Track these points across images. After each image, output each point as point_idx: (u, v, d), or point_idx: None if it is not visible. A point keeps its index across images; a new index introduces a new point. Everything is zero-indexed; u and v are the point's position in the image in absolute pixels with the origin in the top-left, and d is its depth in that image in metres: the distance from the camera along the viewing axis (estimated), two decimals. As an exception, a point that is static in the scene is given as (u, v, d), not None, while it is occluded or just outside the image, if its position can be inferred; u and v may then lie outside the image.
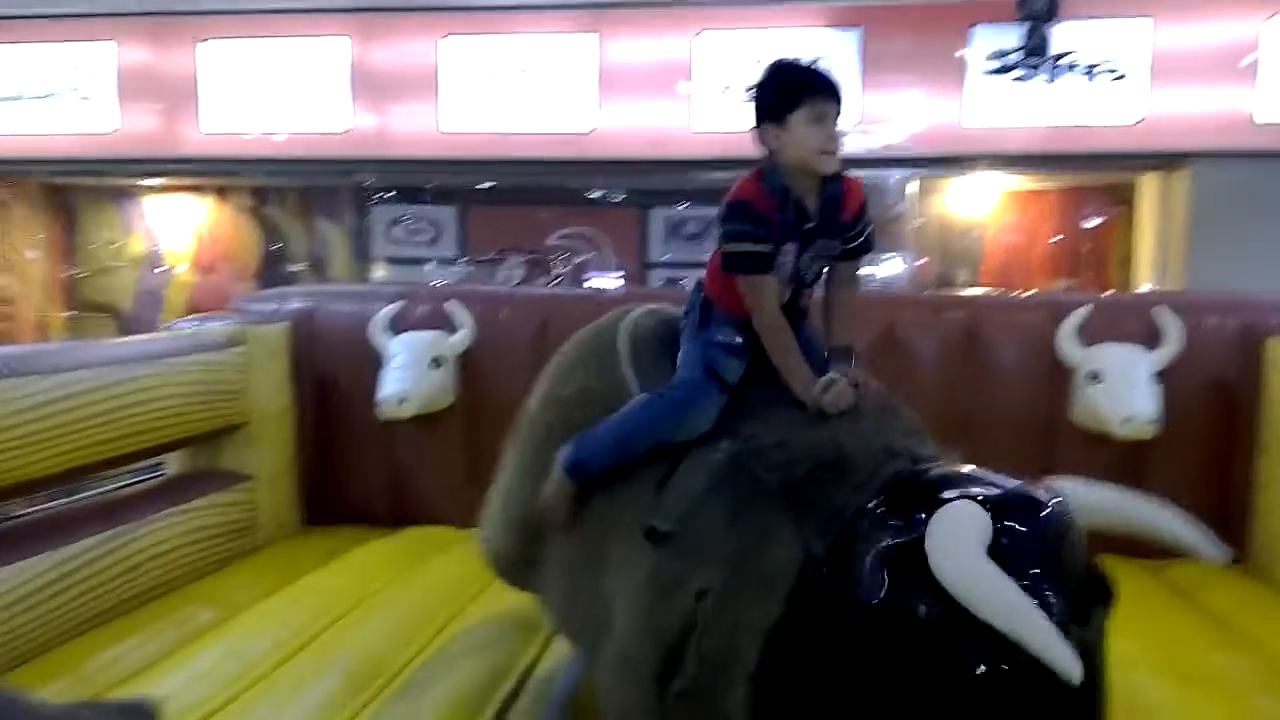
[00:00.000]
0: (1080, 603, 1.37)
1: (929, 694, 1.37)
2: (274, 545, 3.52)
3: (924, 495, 1.48)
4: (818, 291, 2.11)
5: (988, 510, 1.39)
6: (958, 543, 1.35)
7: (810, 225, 1.97)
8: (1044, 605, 1.30)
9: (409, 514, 3.76)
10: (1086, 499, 1.53)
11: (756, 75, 2.01)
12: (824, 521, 1.60)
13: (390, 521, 3.73)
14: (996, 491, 1.45)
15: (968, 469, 1.58)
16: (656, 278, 8.43)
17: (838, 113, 1.91)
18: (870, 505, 1.55)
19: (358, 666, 2.46)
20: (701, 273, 2.16)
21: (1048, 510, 1.43)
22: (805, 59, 2.03)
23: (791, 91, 1.92)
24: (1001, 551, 1.34)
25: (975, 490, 1.45)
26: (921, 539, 1.39)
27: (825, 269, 2.07)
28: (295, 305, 3.87)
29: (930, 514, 1.41)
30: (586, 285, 7.74)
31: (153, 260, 8.16)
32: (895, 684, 1.40)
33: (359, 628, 2.72)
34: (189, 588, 3.03)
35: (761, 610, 1.62)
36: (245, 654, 2.50)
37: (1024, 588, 1.31)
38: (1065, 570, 1.38)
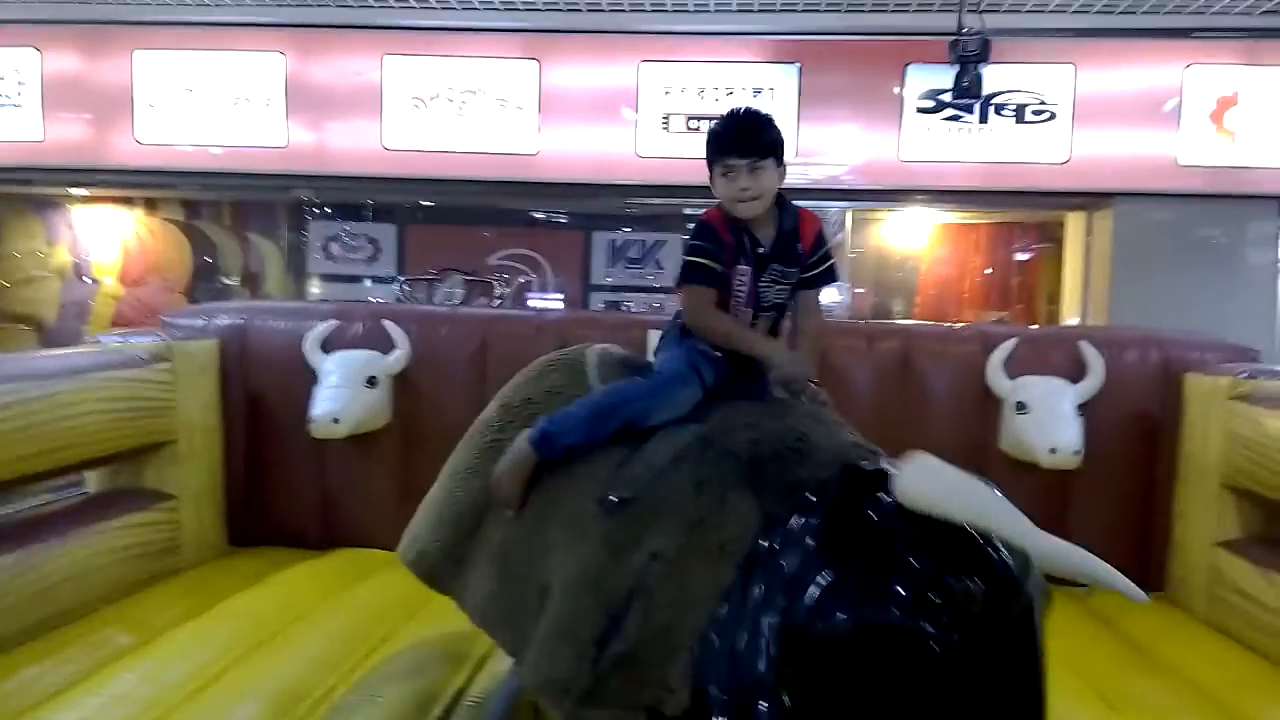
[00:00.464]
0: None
1: (883, 664, 1.41)
2: (197, 567, 3.42)
3: (879, 478, 1.57)
4: (787, 321, 2.30)
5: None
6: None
7: (761, 250, 2.17)
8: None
9: (339, 536, 3.69)
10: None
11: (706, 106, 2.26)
12: (784, 495, 1.67)
13: (319, 544, 3.66)
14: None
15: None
16: (598, 301, 8.46)
17: (751, 163, 2.12)
18: (830, 480, 1.63)
19: (280, 693, 2.40)
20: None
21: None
22: (737, 110, 2.22)
23: (710, 150, 2.19)
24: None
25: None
26: (879, 504, 1.50)
27: (788, 297, 2.26)
28: (226, 321, 3.79)
29: (887, 493, 1.52)
30: (528, 306, 7.72)
31: (79, 271, 7.93)
32: (847, 655, 1.44)
33: (282, 653, 2.65)
34: (107, 610, 2.93)
35: (713, 577, 1.65)
36: (163, 679, 2.42)
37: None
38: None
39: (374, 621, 2.91)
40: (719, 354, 2.14)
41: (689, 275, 2.17)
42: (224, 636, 2.71)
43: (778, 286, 2.21)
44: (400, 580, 3.28)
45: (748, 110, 2.20)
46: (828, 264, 2.27)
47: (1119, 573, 1.52)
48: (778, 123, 2.20)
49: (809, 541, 1.57)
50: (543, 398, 2.24)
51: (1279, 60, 6.12)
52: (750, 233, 2.16)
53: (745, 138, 2.14)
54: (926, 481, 1.49)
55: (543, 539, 1.99)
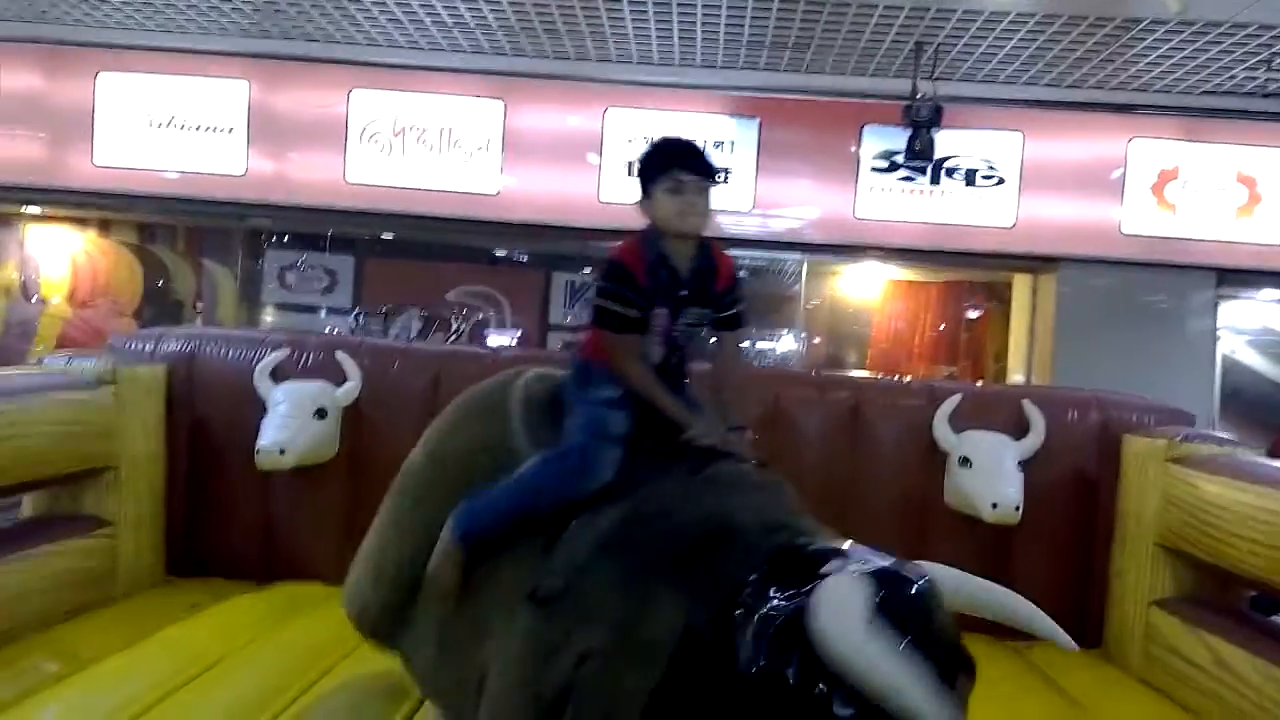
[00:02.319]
0: (948, 673, 1.42)
1: None
2: (133, 596, 3.34)
3: (806, 567, 1.53)
4: (701, 362, 2.30)
5: (865, 583, 1.45)
6: (840, 615, 1.41)
7: (683, 292, 2.14)
8: (917, 672, 1.35)
9: (280, 569, 3.62)
10: (950, 581, 1.60)
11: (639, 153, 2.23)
12: (709, 590, 1.63)
13: (260, 576, 3.59)
14: (872, 566, 1.51)
15: (845, 544, 1.63)
16: (556, 340, 8.48)
17: (701, 183, 2.12)
18: (754, 577, 1.58)
19: (213, 728, 2.34)
20: None
21: (919, 585, 1.49)
22: (676, 136, 2.26)
23: (654, 165, 2.16)
24: (878, 621, 1.39)
25: (852, 565, 1.51)
26: (802, 610, 1.43)
27: (704, 336, 2.24)
28: (174, 347, 3.74)
29: (810, 587, 1.46)
30: (485, 344, 7.71)
31: (26, 290, 7.75)
32: None
33: (218, 687, 2.59)
34: (36, 637, 2.84)
35: (643, 676, 1.63)
36: (90, 710, 2.36)
37: (899, 655, 1.36)
38: (936, 641, 1.44)
39: (313, 657, 2.85)
40: (619, 393, 2.11)
41: (605, 321, 2.11)
42: (157, 668, 2.65)
43: (692, 327, 2.20)
44: (341, 615, 3.24)
45: (689, 139, 2.25)
46: (742, 303, 2.27)
47: (1053, 621, 1.57)
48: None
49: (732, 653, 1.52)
50: (466, 456, 2.23)
51: (1217, 138, 6.40)
52: (671, 269, 2.12)
53: (699, 157, 2.15)
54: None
55: (477, 621, 2.01)
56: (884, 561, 1.54)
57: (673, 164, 2.12)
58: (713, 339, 2.27)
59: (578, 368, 2.21)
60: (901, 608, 1.43)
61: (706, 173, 2.13)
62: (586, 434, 2.07)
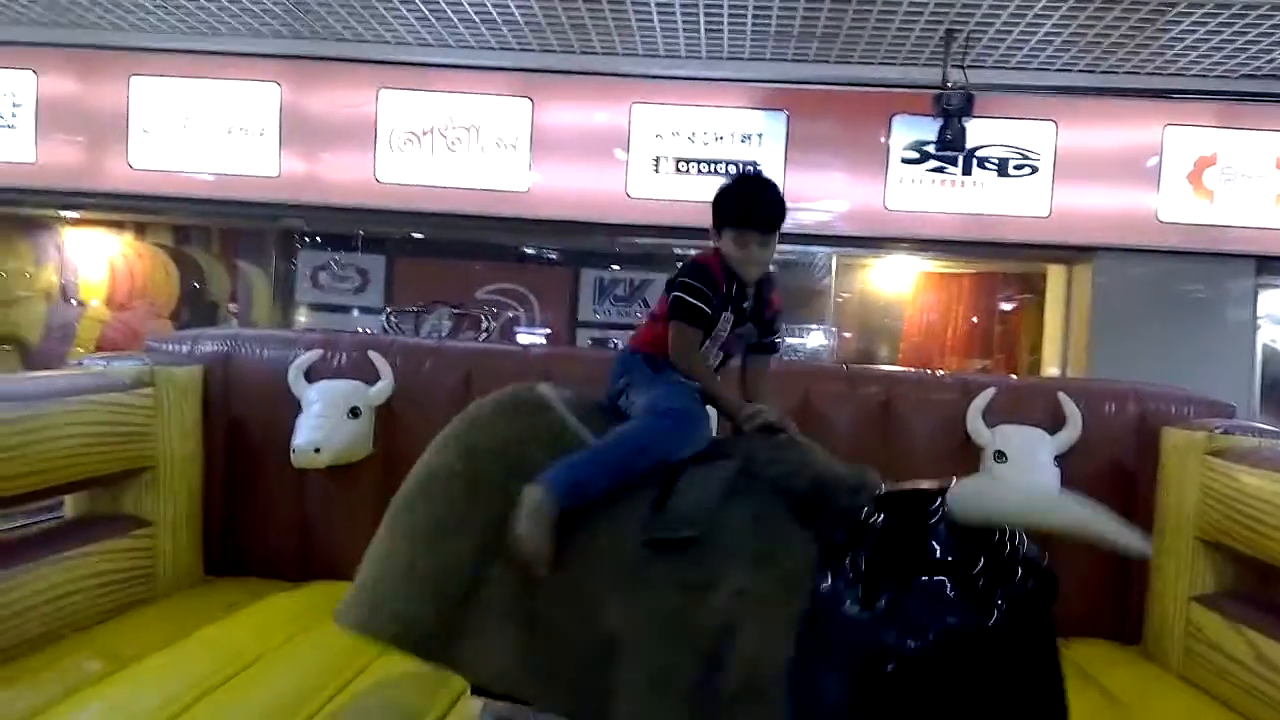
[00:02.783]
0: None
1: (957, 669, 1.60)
2: (172, 595, 3.39)
3: (912, 500, 1.76)
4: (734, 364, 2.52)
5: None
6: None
7: (747, 304, 2.38)
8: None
9: (316, 568, 3.66)
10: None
11: (724, 181, 2.47)
12: (833, 524, 1.80)
13: (296, 575, 3.63)
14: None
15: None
16: (585, 338, 8.49)
17: (762, 239, 2.35)
18: (868, 510, 1.78)
19: (252, 725, 2.37)
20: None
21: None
22: (754, 182, 2.48)
23: (728, 213, 2.35)
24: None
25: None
26: (931, 528, 1.68)
27: (743, 350, 2.50)
28: (210, 347, 3.79)
29: (932, 518, 1.70)
30: (514, 341, 7.74)
31: (65, 293, 7.90)
32: (925, 669, 1.60)
33: (255, 685, 2.62)
34: (78, 637, 2.89)
35: (789, 609, 1.73)
36: (131, 709, 2.39)
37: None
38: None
39: (349, 654, 2.88)
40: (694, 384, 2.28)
41: (683, 313, 2.29)
42: (197, 667, 2.68)
43: (740, 340, 2.43)
44: (377, 613, 3.29)
45: (769, 185, 2.43)
46: (780, 334, 2.59)
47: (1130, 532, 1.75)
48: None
49: (869, 567, 1.70)
50: (514, 447, 2.14)
51: (1255, 124, 6.28)
52: (741, 285, 2.35)
53: (768, 216, 2.35)
54: (975, 495, 1.70)
55: (584, 590, 1.93)
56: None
57: (741, 219, 2.32)
58: (748, 356, 2.52)
59: (642, 362, 2.33)
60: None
61: (771, 228, 2.35)
62: (684, 402, 2.20)
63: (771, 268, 2.47)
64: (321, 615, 3.20)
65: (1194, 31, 5.60)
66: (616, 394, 2.38)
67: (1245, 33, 5.56)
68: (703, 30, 5.99)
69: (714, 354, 2.39)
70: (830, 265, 7.43)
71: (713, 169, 6.25)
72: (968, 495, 1.70)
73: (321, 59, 6.64)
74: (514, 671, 2.02)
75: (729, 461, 2.03)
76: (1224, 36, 5.64)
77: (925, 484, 1.80)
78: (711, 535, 1.87)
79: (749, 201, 2.37)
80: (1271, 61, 5.97)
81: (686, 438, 2.11)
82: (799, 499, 1.89)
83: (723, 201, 2.38)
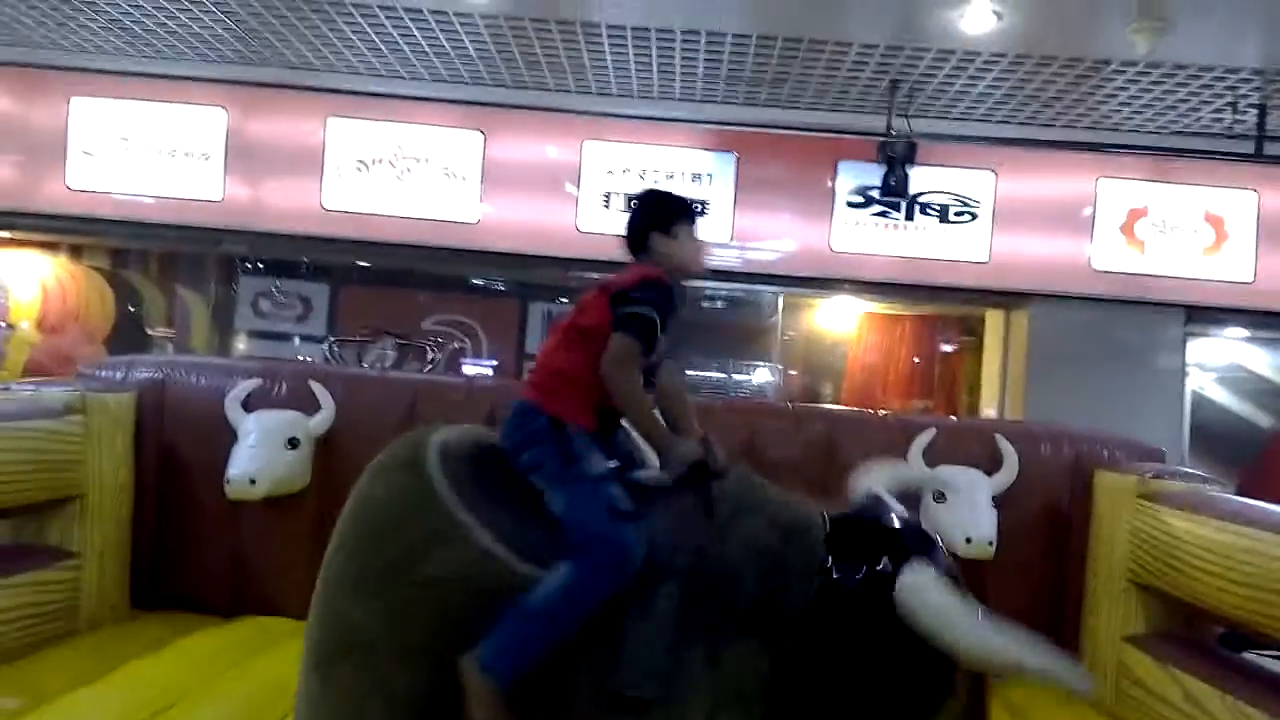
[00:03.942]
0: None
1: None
2: (97, 630, 3.26)
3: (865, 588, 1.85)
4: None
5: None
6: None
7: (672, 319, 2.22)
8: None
9: (248, 603, 3.56)
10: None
11: (639, 192, 2.46)
12: (780, 619, 1.86)
13: (227, 609, 3.53)
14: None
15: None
16: (530, 369, 8.44)
17: None
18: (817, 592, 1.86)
19: (176, 765, 2.29)
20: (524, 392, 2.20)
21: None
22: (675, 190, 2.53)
23: (678, 209, 2.33)
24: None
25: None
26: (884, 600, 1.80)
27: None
28: (145, 374, 3.69)
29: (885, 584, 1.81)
30: (461, 373, 7.68)
31: (-7, 315, 7.65)
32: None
33: (181, 723, 2.53)
34: (-3, 671, 2.77)
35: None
36: (50, 748, 2.29)
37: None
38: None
39: (279, 692, 2.79)
40: (611, 461, 2.04)
41: (637, 329, 2.06)
42: (121, 703, 2.59)
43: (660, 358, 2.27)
44: (310, 650, 3.20)
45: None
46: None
47: (1073, 669, 1.81)
48: None
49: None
50: (414, 587, 1.91)
51: (1185, 179, 6.53)
52: (680, 302, 2.26)
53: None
54: (923, 600, 1.79)
55: None
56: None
57: (695, 215, 2.34)
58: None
59: (545, 433, 2.06)
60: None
61: None
62: (604, 526, 1.91)
63: (707, 285, 2.51)
64: (252, 651, 3.12)
65: (1127, 89, 5.83)
66: (516, 455, 2.11)
67: (1176, 91, 5.81)
68: (655, 71, 6.08)
69: (646, 363, 2.15)
70: (777, 304, 7.52)
71: (662, 207, 6.29)
72: (915, 595, 1.80)
73: (270, 85, 6.59)
74: None
75: (671, 586, 1.87)
76: (1155, 94, 5.88)
77: (881, 517, 1.90)
78: (674, 686, 1.82)
79: (698, 203, 2.42)
80: (1200, 120, 6.24)
81: (620, 571, 1.86)
82: (748, 605, 1.88)
83: (665, 203, 2.35)
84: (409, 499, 2.00)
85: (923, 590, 1.79)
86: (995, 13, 4.96)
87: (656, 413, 2.18)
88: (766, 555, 1.90)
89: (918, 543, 1.94)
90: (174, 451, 3.62)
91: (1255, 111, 5.97)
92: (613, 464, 2.05)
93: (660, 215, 2.30)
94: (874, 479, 2.06)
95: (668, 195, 2.43)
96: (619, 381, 2.05)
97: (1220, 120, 6.17)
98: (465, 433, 2.18)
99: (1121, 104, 6.06)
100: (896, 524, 2.00)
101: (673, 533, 1.93)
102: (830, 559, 1.88)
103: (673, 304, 2.17)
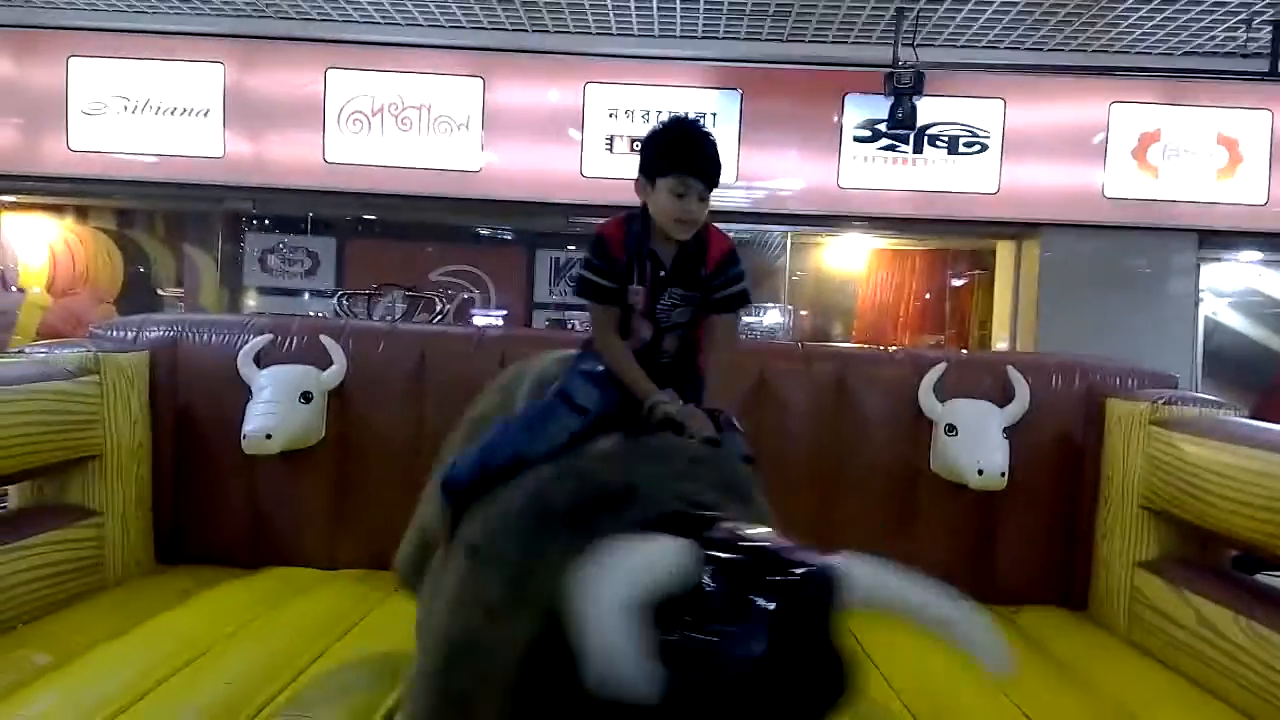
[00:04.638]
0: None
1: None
2: (123, 585, 3.32)
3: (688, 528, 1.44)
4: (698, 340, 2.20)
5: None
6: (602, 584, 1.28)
7: (662, 273, 2.09)
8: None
9: (270, 554, 3.62)
10: (870, 580, 1.40)
11: (649, 127, 2.20)
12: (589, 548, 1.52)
13: (250, 562, 3.58)
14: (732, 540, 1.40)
15: (741, 527, 1.48)
16: (542, 319, 8.46)
17: (703, 190, 2.03)
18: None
19: (206, 714, 2.35)
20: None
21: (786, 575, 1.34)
22: (695, 127, 2.14)
23: (665, 159, 2.05)
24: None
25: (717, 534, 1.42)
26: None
27: (692, 315, 2.14)
28: (156, 333, 3.70)
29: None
30: (470, 323, 7.69)
31: (4, 280, 7.68)
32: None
33: (210, 672, 2.59)
34: (26, 629, 2.83)
35: (525, 627, 1.60)
36: (82, 700, 2.35)
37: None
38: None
39: (304, 641, 2.86)
40: (601, 369, 2.09)
41: (585, 290, 2.13)
42: (149, 656, 2.64)
43: (679, 308, 2.12)
44: (331, 599, 3.26)
45: (706, 133, 2.11)
46: (736, 286, 2.13)
47: (997, 641, 1.39)
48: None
49: None
50: (479, 425, 2.32)
51: (1198, 100, 6.41)
52: (655, 254, 2.08)
53: (710, 164, 2.04)
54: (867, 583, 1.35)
55: (444, 567, 2.07)
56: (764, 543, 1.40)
57: (684, 166, 2.02)
58: (705, 321, 2.15)
59: (581, 343, 2.28)
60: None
61: (712, 181, 2.04)
62: (552, 397, 2.10)
63: (728, 233, 2.18)
64: (276, 602, 3.19)
65: (1138, 9, 5.69)
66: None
67: (1187, 9, 5.67)
68: (656, 8, 5.96)
69: (646, 329, 2.11)
70: (785, 244, 7.48)
71: (667, 148, 6.23)
72: (861, 583, 1.36)
73: (267, 38, 6.51)
74: (418, 622, 2.26)
75: (547, 468, 1.87)
76: (1166, 14, 5.74)
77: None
78: (490, 547, 1.85)
79: (689, 142, 2.06)
80: (1214, 39, 6.10)
81: (535, 438, 1.98)
82: (574, 519, 1.66)
83: (660, 147, 2.08)
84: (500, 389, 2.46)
85: (868, 573, 1.38)
86: (1002, -65, 4.84)
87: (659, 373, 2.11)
88: (624, 488, 1.68)
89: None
90: (189, 409, 3.65)
91: (1270, 28, 5.82)
92: (598, 369, 2.10)
93: (642, 161, 2.10)
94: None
95: (652, 139, 2.13)
96: (597, 344, 2.14)
97: (1234, 39, 6.03)
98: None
99: (1132, 25, 5.92)
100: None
101: (598, 443, 1.95)
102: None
103: (610, 260, 2.07)
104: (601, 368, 2.10)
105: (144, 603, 3.10)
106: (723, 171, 2.11)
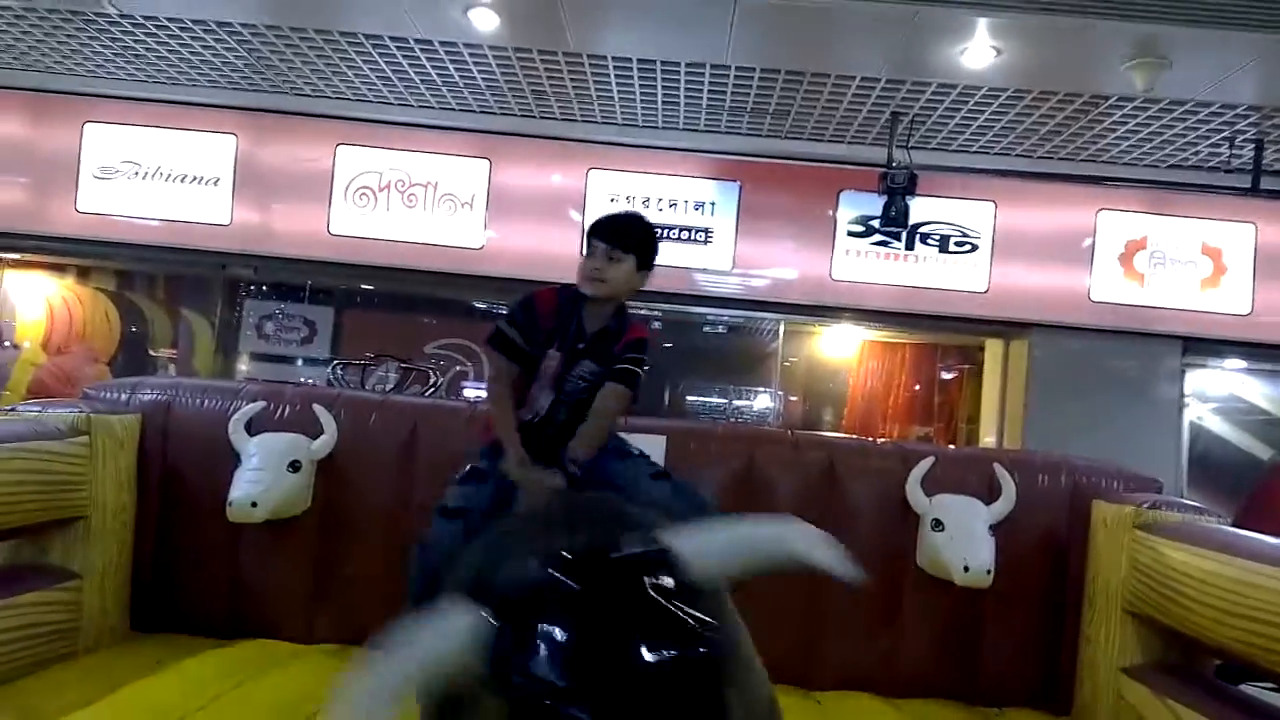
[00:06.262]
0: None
1: None
2: (97, 651, 3.27)
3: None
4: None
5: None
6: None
7: (580, 345, 2.30)
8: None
9: (248, 625, 3.57)
10: (705, 547, 1.47)
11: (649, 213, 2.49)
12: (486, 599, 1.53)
13: (227, 632, 3.53)
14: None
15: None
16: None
17: (607, 249, 2.33)
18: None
19: (174, 787, 2.30)
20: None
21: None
22: (620, 211, 2.57)
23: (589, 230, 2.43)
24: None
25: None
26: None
27: (592, 394, 2.36)
28: (150, 396, 3.72)
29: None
30: (462, 397, 7.70)
31: (0, 335, 7.70)
32: None
33: (180, 745, 2.54)
34: (-6, 692, 2.78)
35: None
36: (49, 768, 2.30)
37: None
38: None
39: (278, 716, 2.81)
40: (483, 463, 2.30)
41: (496, 342, 2.30)
42: (119, 725, 2.59)
43: (584, 383, 2.32)
44: (305, 675, 3.21)
45: (631, 212, 2.50)
46: (633, 364, 2.37)
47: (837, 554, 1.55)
48: (655, 235, 2.41)
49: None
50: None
51: (1183, 211, 6.58)
52: (578, 321, 2.30)
53: (612, 228, 2.35)
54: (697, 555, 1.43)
55: None
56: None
57: (591, 231, 2.37)
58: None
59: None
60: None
61: (619, 244, 2.31)
62: (433, 515, 2.26)
63: (653, 319, 2.49)
64: (250, 674, 3.13)
65: (1125, 124, 5.89)
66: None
67: (1173, 125, 5.86)
68: (660, 102, 6.14)
69: (545, 397, 2.31)
70: (778, 331, 7.56)
71: (667, 235, 6.36)
72: (692, 555, 1.43)
73: (281, 112, 6.67)
74: None
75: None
76: (1153, 129, 5.94)
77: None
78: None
79: (601, 219, 2.44)
80: (1198, 153, 6.29)
81: (425, 554, 2.15)
82: (476, 580, 1.59)
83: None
84: None
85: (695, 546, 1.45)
86: (995, 48, 5.03)
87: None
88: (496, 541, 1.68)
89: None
90: (177, 473, 3.64)
91: (1252, 146, 6.02)
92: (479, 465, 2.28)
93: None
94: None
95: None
96: (486, 387, 2.40)
97: (1218, 154, 6.22)
98: None
99: (1119, 138, 6.12)
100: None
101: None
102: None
103: (533, 318, 2.29)
104: (470, 465, 2.28)
105: (117, 670, 3.04)
106: (637, 240, 2.38)
